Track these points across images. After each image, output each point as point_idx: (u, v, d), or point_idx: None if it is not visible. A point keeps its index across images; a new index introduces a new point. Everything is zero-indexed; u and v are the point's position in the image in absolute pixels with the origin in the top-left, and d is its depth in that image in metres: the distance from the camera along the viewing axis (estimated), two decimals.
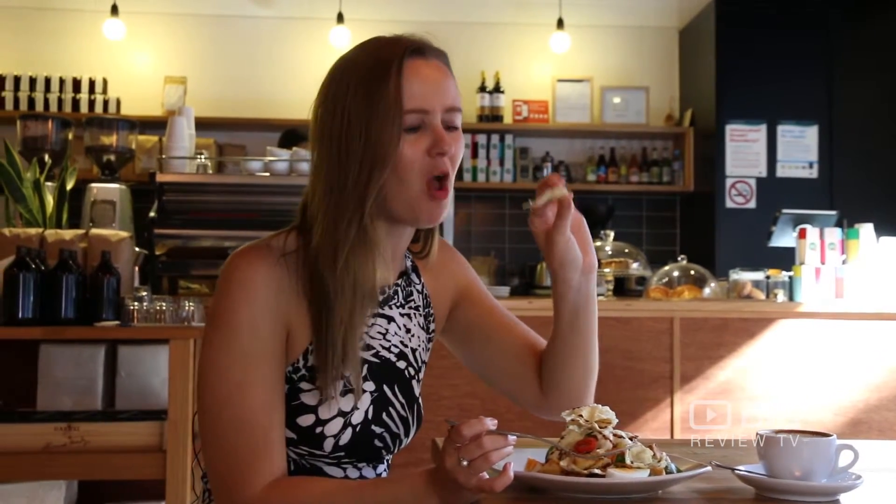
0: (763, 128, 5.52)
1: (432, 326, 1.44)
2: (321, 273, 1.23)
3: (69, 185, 3.52)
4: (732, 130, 5.51)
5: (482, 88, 5.88)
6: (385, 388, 1.31)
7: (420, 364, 1.40)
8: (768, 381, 3.39)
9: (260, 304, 1.22)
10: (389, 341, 1.34)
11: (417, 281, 1.43)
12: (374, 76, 1.24)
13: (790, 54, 5.52)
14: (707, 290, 3.77)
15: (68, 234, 3.23)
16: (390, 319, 1.35)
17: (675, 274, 3.86)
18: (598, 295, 3.72)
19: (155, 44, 5.90)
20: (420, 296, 1.42)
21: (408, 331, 1.38)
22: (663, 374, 3.37)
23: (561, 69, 6.05)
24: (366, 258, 1.24)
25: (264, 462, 1.19)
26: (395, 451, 1.36)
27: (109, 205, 3.73)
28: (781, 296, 3.61)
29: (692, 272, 3.86)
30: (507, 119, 5.93)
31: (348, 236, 1.23)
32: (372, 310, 1.29)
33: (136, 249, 3.40)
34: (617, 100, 6.07)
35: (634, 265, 3.73)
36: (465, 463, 1.06)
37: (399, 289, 1.38)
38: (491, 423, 1.06)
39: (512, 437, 1.06)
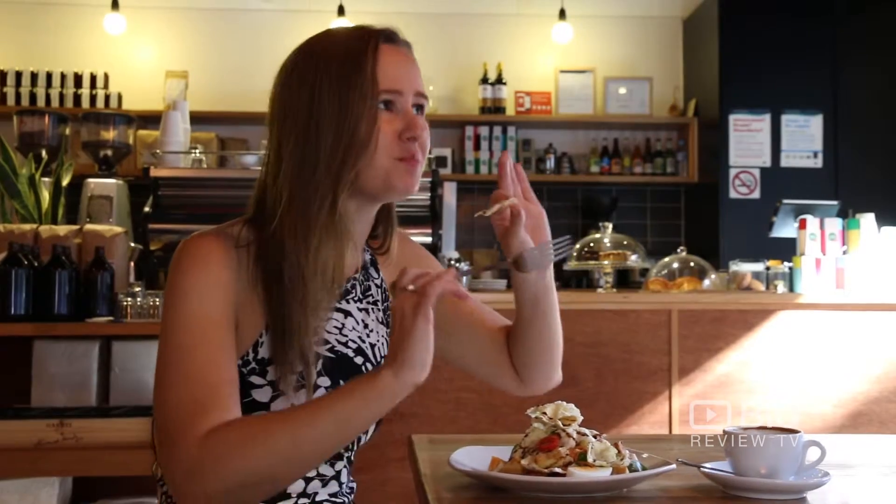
0: (767, 117, 5.47)
1: None
2: (287, 259, 1.21)
3: (65, 181, 3.51)
4: (736, 120, 5.46)
5: (484, 80, 5.85)
6: (341, 383, 1.28)
7: (379, 360, 1.37)
8: (768, 373, 3.35)
9: (213, 277, 1.20)
10: (346, 336, 1.31)
11: (376, 275, 1.41)
12: (350, 56, 1.24)
13: (794, 43, 5.47)
14: (707, 282, 3.74)
15: (62, 229, 3.23)
16: (347, 314, 1.33)
17: (675, 266, 3.83)
18: (598, 288, 3.73)
19: (156, 38, 5.90)
20: (378, 290, 1.40)
21: (366, 326, 1.35)
22: (661, 366, 3.34)
23: (563, 60, 6.01)
24: (338, 241, 1.23)
25: (212, 414, 1.12)
26: (355, 449, 1.33)
27: (106, 200, 3.72)
28: (781, 287, 3.57)
29: (692, 264, 3.83)
30: (510, 111, 5.90)
31: (320, 218, 1.22)
32: (335, 299, 1.27)
33: (132, 245, 3.39)
34: (621, 90, 6.03)
35: (633, 257, 3.69)
36: (411, 287, 1.05)
37: (357, 283, 1.36)
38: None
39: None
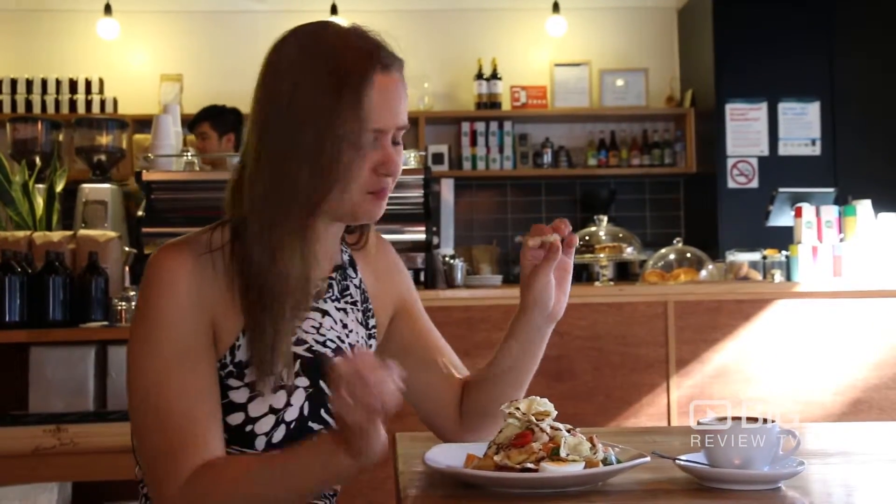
0: (764, 106, 5.45)
1: (372, 322, 1.41)
2: (257, 269, 1.22)
3: (58, 187, 3.52)
4: (732, 110, 5.44)
5: (479, 75, 5.83)
6: (321, 383, 1.28)
7: None
8: (766, 363, 3.34)
9: (182, 298, 1.20)
10: (324, 336, 1.31)
11: (354, 275, 1.40)
12: (345, 86, 1.21)
13: (790, 30, 5.44)
14: (704, 273, 3.72)
15: (56, 235, 3.24)
16: (325, 313, 1.33)
17: (672, 257, 3.82)
18: (596, 282, 3.72)
19: (149, 42, 5.90)
20: (357, 290, 1.39)
21: (345, 326, 1.35)
22: (658, 358, 3.33)
23: (558, 53, 5.99)
24: (304, 257, 1.23)
25: (192, 456, 1.16)
26: None
27: (101, 205, 3.72)
28: (779, 276, 3.56)
29: (689, 255, 3.82)
30: (506, 106, 5.88)
31: (288, 235, 1.22)
32: (307, 302, 1.27)
33: (126, 249, 3.39)
34: (619, 82, 6.01)
35: (628, 249, 3.68)
36: (350, 401, 1.01)
37: (334, 283, 1.36)
38: (368, 354, 1.04)
39: (393, 365, 1.03)
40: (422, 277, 3.43)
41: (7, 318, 2.90)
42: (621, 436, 1.39)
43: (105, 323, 2.99)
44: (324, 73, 1.21)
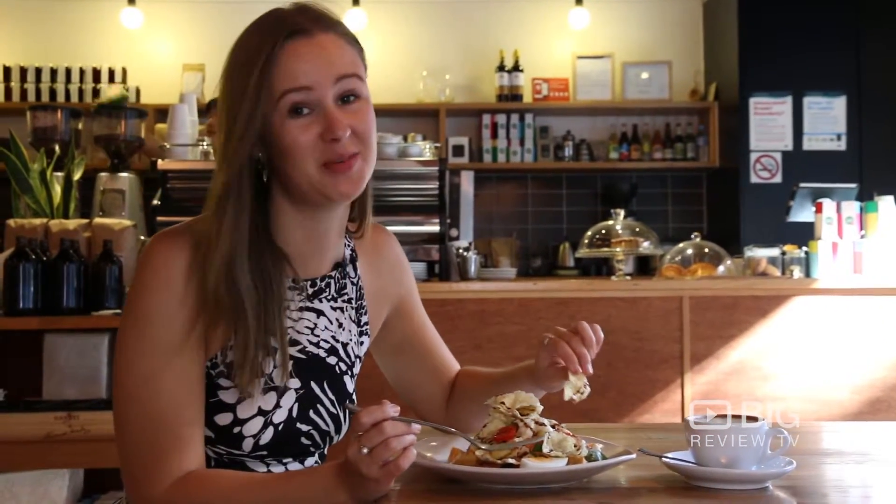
0: (788, 100, 5.38)
1: (364, 319, 1.38)
2: (226, 266, 1.18)
3: (76, 176, 3.54)
4: (756, 104, 5.37)
5: (501, 67, 5.80)
6: (313, 384, 1.26)
7: (353, 359, 1.34)
8: (783, 360, 3.30)
9: (174, 294, 1.17)
10: (318, 336, 1.29)
11: (353, 274, 1.37)
12: (249, 61, 1.19)
13: (816, 23, 5.36)
14: (721, 268, 3.68)
15: (72, 223, 3.26)
16: (320, 313, 1.30)
17: (690, 252, 3.78)
18: (612, 276, 3.69)
19: (173, 31, 5.93)
20: (354, 287, 1.36)
21: (339, 325, 1.32)
22: (673, 354, 3.30)
23: (581, 46, 5.95)
24: (272, 252, 1.21)
25: (173, 458, 1.14)
26: (326, 447, 1.31)
27: (118, 193, 3.74)
28: (798, 272, 3.51)
29: (707, 250, 3.78)
30: (527, 98, 5.84)
31: (243, 232, 1.18)
32: (283, 304, 1.23)
33: (142, 238, 3.40)
34: (642, 75, 5.95)
35: (645, 244, 3.65)
36: (365, 451, 1.02)
37: (332, 281, 1.33)
38: (392, 410, 1.02)
39: (415, 426, 1.03)
40: (436, 269, 3.42)
41: (21, 305, 2.92)
42: (618, 432, 1.37)
43: (118, 311, 3.00)
44: (238, 59, 1.21)
